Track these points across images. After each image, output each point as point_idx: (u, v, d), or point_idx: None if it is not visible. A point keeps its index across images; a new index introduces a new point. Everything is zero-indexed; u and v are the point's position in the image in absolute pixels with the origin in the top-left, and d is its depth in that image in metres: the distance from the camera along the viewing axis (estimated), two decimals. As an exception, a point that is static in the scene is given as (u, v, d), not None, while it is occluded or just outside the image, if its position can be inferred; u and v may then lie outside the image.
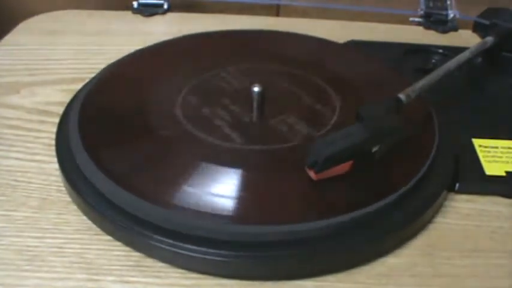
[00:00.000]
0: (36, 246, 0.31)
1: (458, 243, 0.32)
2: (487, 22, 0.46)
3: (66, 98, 0.41)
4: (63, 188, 0.34)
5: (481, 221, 0.33)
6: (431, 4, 0.56)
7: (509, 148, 0.38)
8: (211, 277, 0.29)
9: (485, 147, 0.38)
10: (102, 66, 0.43)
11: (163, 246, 0.29)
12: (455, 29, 0.55)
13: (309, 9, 0.60)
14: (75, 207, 0.33)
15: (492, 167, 0.36)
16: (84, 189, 0.33)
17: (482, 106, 0.42)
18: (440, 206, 0.34)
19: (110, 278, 0.29)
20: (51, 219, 0.32)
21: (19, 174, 0.36)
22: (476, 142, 0.38)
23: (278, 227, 0.30)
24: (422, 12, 0.56)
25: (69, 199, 0.34)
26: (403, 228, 0.31)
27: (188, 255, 0.29)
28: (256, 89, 0.36)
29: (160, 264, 0.30)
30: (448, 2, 0.56)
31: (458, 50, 0.43)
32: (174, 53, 0.45)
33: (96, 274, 0.29)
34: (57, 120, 0.39)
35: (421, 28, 0.56)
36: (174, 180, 0.32)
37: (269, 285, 0.29)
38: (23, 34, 0.52)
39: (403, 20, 0.56)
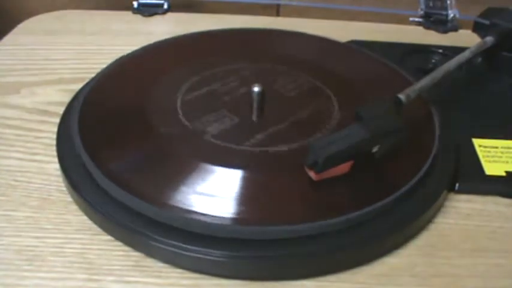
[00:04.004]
0: (36, 246, 0.31)
1: (458, 243, 0.32)
2: (487, 22, 0.46)
3: (66, 98, 0.41)
4: (63, 188, 0.34)
5: (481, 221, 0.33)
6: (431, 4, 0.56)
7: (509, 148, 0.38)
8: (211, 277, 0.29)
9: (485, 147, 0.38)
10: (102, 66, 0.43)
11: (163, 246, 0.29)
12: (455, 29, 0.55)
13: (309, 9, 0.60)
14: (75, 207, 0.33)
15: (492, 167, 0.36)
16: (84, 189, 0.33)
17: (482, 106, 0.42)
18: (441, 206, 0.34)
19: (110, 278, 0.29)
20: (51, 219, 0.32)
21: (19, 174, 0.36)
22: (476, 142, 0.38)
23: (278, 227, 0.30)
24: (422, 12, 0.56)
25: (69, 199, 0.34)
26: (403, 228, 0.31)
27: (188, 255, 0.29)
28: (256, 89, 0.36)
29: (160, 264, 0.30)
30: (448, 2, 0.56)
31: (458, 50, 0.43)
32: (175, 52, 0.45)
33: (96, 274, 0.29)
34: (57, 120, 0.39)
35: (421, 28, 0.56)
36: (174, 180, 0.32)
37: (269, 285, 0.29)
38: (23, 34, 0.52)
39: (403, 20, 0.56)
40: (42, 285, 0.29)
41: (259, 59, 0.43)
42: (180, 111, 0.37)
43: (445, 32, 0.55)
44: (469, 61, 0.42)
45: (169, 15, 0.56)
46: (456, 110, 0.41)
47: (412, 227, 0.32)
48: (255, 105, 0.37)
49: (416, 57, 0.48)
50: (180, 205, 0.30)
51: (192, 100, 0.38)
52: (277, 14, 0.63)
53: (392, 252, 0.31)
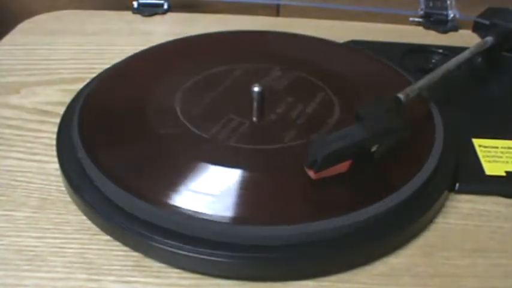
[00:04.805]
0: (36, 246, 0.31)
1: (458, 243, 0.32)
2: (487, 22, 0.46)
3: (66, 98, 0.41)
4: (63, 188, 0.34)
5: (481, 221, 0.33)
6: (431, 4, 0.56)
7: (509, 148, 0.38)
8: (210, 277, 0.29)
9: (485, 147, 0.38)
10: (102, 66, 0.43)
11: (162, 246, 0.29)
12: (455, 29, 0.55)
13: (309, 9, 0.60)
14: (75, 207, 0.33)
15: (492, 167, 0.36)
16: (84, 189, 0.33)
17: (482, 106, 0.42)
18: (441, 206, 0.34)
19: (110, 278, 0.29)
20: (51, 219, 0.32)
21: (19, 174, 0.36)
22: (476, 142, 0.38)
23: (277, 227, 0.30)
24: (422, 12, 0.56)
25: (69, 199, 0.34)
26: (404, 228, 0.31)
27: (187, 255, 0.29)
28: (256, 89, 0.36)
29: (160, 264, 0.30)
30: (448, 2, 0.56)
31: (458, 50, 0.43)
32: (175, 54, 0.45)
33: (96, 274, 0.29)
34: (57, 120, 0.39)
35: (421, 28, 0.56)
36: (173, 180, 0.32)
37: (269, 285, 0.29)
38: (23, 34, 0.52)
39: (403, 20, 0.56)
40: (42, 285, 0.29)
41: (259, 60, 0.43)
42: (179, 112, 0.37)
43: (445, 32, 0.55)
44: (469, 61, 0.42)
45: (169, 15, 0.56)
46: (456, 110, 0.41)
47: (413, 227, 0.32)
48: (254, 105, 0.37)
49: (416, 57, 0.48)
50: (179, 205, 0.30)
51: (192, 100, 0.38)
52: (277, 14, 0.63)
53: (392, 252, 0.31)
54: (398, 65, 0.44)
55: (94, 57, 0.48)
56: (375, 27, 0.55)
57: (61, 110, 0.40)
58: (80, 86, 0.42)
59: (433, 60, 0.48)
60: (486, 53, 0.45)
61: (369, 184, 0.33)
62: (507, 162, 0.37)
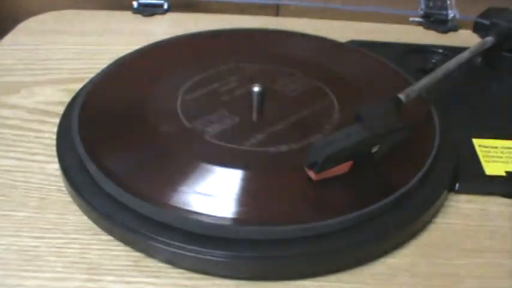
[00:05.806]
0: (36, 246, 0.31)
1: (458, 243, 0.32)
2: (487, 22, 0.46)
3: (66, 98, 0.41)
4: (63, 188, 0.34)
5: (481, 221, 0.33)
6: (431, 4, 0.56)
7: (509, 148, 0.38)
8: (211, 277, 0.29)
9: (485, 147, 0.38)
10: (102, 66, 0.43)
11: (163, 246, 0.29)
12: (455, 29, 0.55)
13: (309, 9, 0.60)
14: (75, 207, 0.33)
15: (492, 167, 0.36)
16: (84, 189, 0.33)
17: (482, 106, 0.42)
18: (441, 206, 0.34)
19: (110, 278, 0.29)
20: (51, 219, 0.32)
21: (19, 174, 0.36)
22: (476, 142, 0.38)
23: (278, 228, 0.30)
24: (422, 12, 0.56)
25: (69, 199, 0.34)
26: (403, 228, 0.31)
27: (188, 255, 0.29)
28: (256, 89, 0.36)
29: (160, 264, 0.30)
30: (448, 2, 0.56)
31: (458, 50, 0.43)
32: (175, 53, 0.45)
33: (96, 274, 0.29)
34: (57, 120, 0.39)
35: (421, 28, 0.56)
36: (174, 180, 0.32)
37: (269, 285, 0.29)
38: (23, 34, 0.52)
39: (403, 20, 0.56)
40: (43, 285, 0.29)
41: (259, 59, 0.43)
42: (180, 111, 0.37)
43: (445, 32, 0.55)
44: (469, 61, 0.42)
45: (169, 15, 0.56)
46: (456, 110, 0.41)
47: (412, 227, 0.32)
48: (255, 105, 0.37)
49: (416, 57, 0.48)
50: (180, 205, 0.30)
51: (192, 100, 0.38)
52: (277, 14, 0.63)
53: (392, 252, 0.31)
54: (399, 65, 0.44)
55: (94, 57, 0.48)
56: (375, 27, 0.55)
57: (61, 110, 0.40)
58: (80, 86, 0.42)
59: (433, 60, 0.48)
60: (486, 53, 0.45)
61: (369, 184, 0.33)
62: (507, 162, 0.37)
